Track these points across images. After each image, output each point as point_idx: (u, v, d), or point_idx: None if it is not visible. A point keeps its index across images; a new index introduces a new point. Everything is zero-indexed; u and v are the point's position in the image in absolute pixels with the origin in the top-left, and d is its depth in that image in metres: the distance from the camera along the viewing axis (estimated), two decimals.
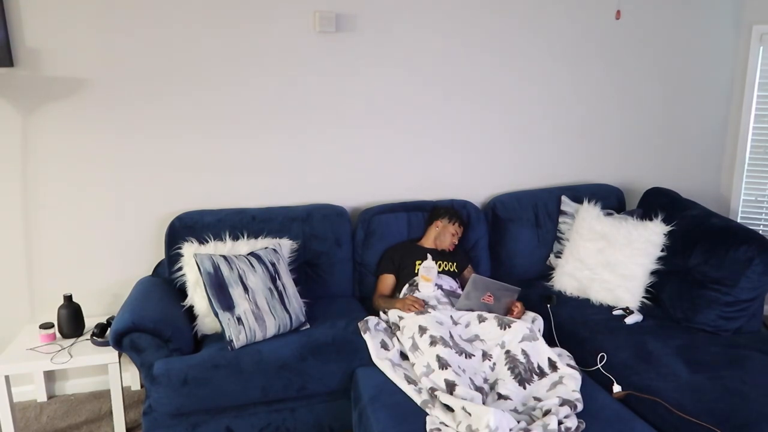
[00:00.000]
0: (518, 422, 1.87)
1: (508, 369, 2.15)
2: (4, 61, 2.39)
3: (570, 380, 2.07)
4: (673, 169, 3.62)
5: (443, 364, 2.08)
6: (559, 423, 1.83)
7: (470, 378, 2.09)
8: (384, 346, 2.33)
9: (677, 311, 2.62)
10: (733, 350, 2.32)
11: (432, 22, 2.98)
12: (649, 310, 2.70)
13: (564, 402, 1.94)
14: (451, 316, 2.41)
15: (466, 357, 2.19)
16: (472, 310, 2.45)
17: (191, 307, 2.48)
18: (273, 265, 2.50)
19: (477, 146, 3.22)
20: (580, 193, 3.21)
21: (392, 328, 2.47)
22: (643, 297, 2.73)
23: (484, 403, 2.00)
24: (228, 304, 2.31)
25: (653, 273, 2.75)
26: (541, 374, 2.15)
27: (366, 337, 2.35)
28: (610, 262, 2.78)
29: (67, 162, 2.63)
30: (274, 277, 2.47)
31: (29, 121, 2.55)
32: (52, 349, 2.43)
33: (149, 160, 2.73)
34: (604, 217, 2.93)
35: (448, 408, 1.95)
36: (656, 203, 3.07)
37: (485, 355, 2.23)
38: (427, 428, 1.87)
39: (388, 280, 2.81)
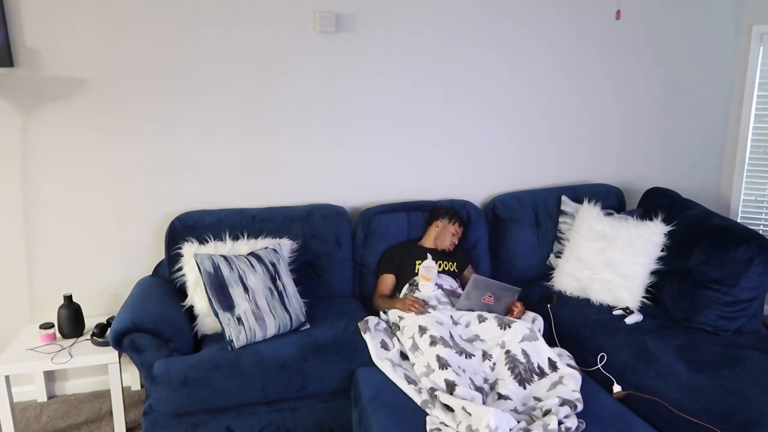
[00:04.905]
0: (518, 422, 1.87)
1: (508, 369, 2.15)
2: (4, 61, 2.39)
3: (570, 380, 2.07)
4: (673, 169, 3.62)
5: (443, 364, 2.08)
6: (559, 423, 1.83)
7: (470, 378, 2.09)
8: (384, 346, 2.33)
9: (677, 311, 2.62)
10: (733, 350, 2.31)
11: (432, 22, 2.98)
12: (649, 310, 2.70)
13: (564, 402, 1.94)
14: (451, 316, 2.41)
15: (466, 357, 2.19)
16: (473, 310, 2.45)
17: (191, 307, 2.48)
18: (273, 265, 2.50)
19: (477, 146, 3.22)
20: (580, 193, 3.21)
21: (392, 328, 2.47)
22: (643, 297, 2.73)
23: (484, 403, 2.00)
24: (228, 304, 2.31)
25: (653, 273, 2.75)
26: (541, 374, 2.15)
27: (366, 337, 2.36)
28: (610, 262, 2.78)
29: (67, 162, 2.63)
30: (274, 277, 2.47)
31: (29, 121, 2.55)
32: (52, 349, 2.43)
33: (149, 160, 2.73)
34: (604, 217, 2.93)
35: (448, 408, 1.95)
36: (656, 203, 3.07)
37: (485, 355, 2.23)
38: (427, 428, 1.87)
39: (388, 280, 2.81)
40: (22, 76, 2.50)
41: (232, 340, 2.27)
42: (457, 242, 2.92)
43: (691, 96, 3.54)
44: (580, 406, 1.95)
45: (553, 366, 2.16)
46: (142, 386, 2.88)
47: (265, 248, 2.57)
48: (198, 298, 2.45)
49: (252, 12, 2.72)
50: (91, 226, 2.72)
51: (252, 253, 2.51)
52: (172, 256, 2.62)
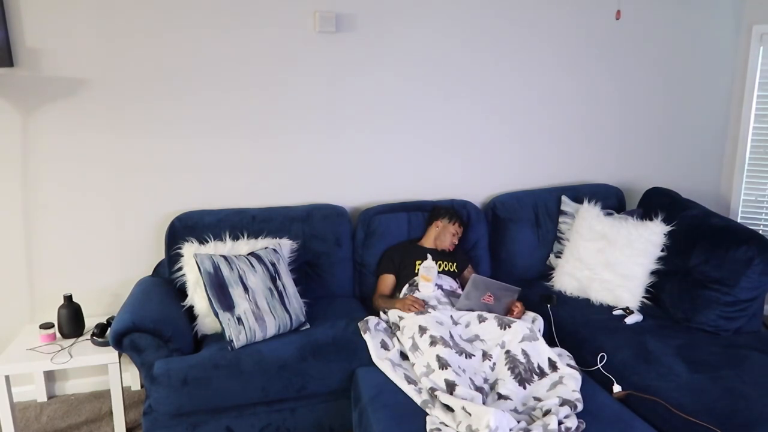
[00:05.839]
0: (518, 422, 1.87)
1: (508, 369, 2.15)
2: (4, 61, 2.39)
3: (570, 380, 2.07)
4: (673, 169, 3.62)
5: (443, 364, 2.08)
6: (559, 423, 1.83)
7: (470, 378, 2.09)
8: (384, 346, 2.33)
9: (677, 311, 2.62)
10: (733, 350, 2.32)
11: (432, 22, 2.98)
12: (649, 310, 2.70)
13: (564, 402, 1.94)
14: (451, 316, 2.41)
15: (466, 357, 2.19)
16: (473, 310, 2.45)
17: (191, 307, 2.48)
18: (273, 265, 2.50)
19: (477, 146, 3.22)
20: (580, 193, 3.21)
21: (392, 328, 2.47)
22: (643, 297, 2.73)
23: (484, 403, 2.00)
24: (228, 304, 2.31)
25: (653, 273, 2.75)
26: (541, 374, 2.15)
27: (366, 337, 2.36)
28: (610, 262, 2.78)
29: (67, 162, 2.63)
30: (274, 277, 2.47)
31: (29, 121, 2.55)
32: (52, 349, 2.43)
33: (149, 161, 2.73)
34: (604, 217, 2.93)
35: (448, 408, 1.95)
36: (656, 203, 3.07)
37: (485, 355, 2.23)
38: (427, 428, 1.87)
39: (388, 280, 2.81)
40: (22, 76, 2.50)
41: (232, 340, 2.27)
42: (457, 242, 2.92)
43: (691, 96, 3.54)
44: (580, 406, 1.95)
45: (553, 366, 2.16)
46: (142, 386, 2.88)
47: (265, 248, 2.57)
48: (198, 298, 2.45)
49: (252, 12, 2.72)
50: (91, 226, 2.72)
51: (252, 253, 2.51)
52: (172, 256, 2.62)
